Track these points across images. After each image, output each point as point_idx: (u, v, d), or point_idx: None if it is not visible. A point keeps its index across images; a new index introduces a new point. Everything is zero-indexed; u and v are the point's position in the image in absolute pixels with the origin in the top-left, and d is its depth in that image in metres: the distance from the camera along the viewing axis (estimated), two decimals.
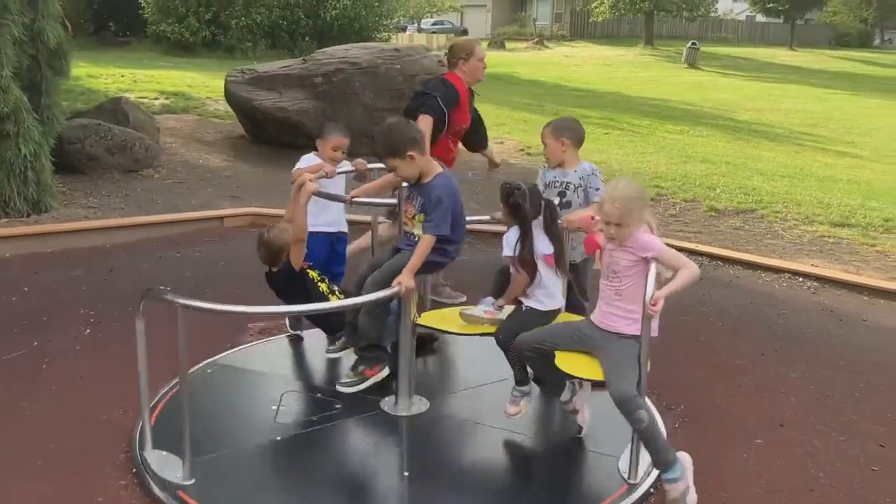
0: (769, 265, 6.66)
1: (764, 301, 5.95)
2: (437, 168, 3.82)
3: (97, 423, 3.91)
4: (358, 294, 3.87)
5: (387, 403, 4.03)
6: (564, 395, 3.76)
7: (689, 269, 3.32)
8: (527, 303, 3.79)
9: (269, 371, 4.49)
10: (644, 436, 3.29)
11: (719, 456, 3.77)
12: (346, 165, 4.91)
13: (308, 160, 4.83)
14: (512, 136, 12.45)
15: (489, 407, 4.03)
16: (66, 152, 8.38)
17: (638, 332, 3.35)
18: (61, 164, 7.93)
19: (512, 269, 3.81)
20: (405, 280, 3.62)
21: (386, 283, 3.70)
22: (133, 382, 4.24)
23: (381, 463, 3.68)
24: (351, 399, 3.99)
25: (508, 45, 40.34)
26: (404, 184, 3.95)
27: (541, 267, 3.73)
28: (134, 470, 3.49)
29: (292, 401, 4.12)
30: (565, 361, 3.47)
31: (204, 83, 14.78)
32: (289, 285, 4.25)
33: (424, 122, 4.88)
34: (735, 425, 4.07)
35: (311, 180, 4.25)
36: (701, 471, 3.61)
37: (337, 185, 4.80)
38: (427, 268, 3.80)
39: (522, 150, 11.43)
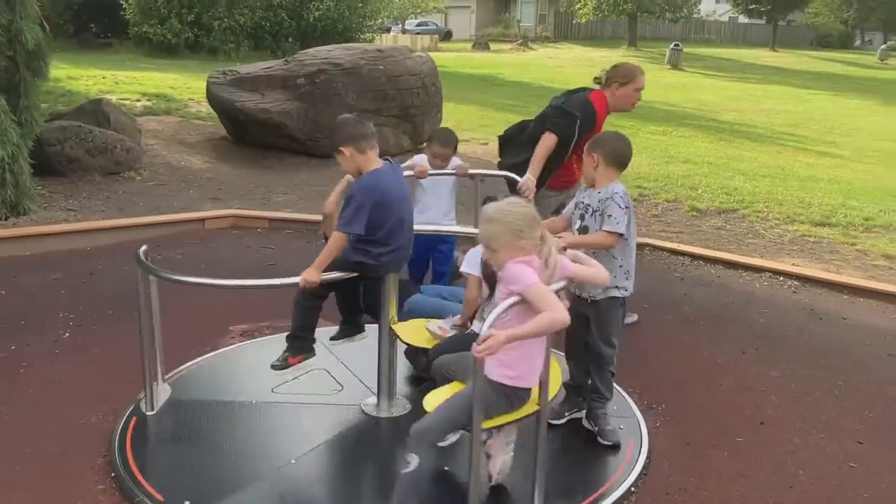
0: (750, 264, 6.70)
1: (745, 300, 5.98)
2: (372, 167, 3.69)
3: (76, 427, 3.87)
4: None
5: (368, 404, 4.03)
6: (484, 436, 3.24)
7: (549, 315, 2.80)
8: (474, 326, 3.68)
9: (251, 372, 4.45)
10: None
11: (700, 454, 3.78)
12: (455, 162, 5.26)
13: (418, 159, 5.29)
14: (495, 137, 12.44)
15: None
16: (46, 154, 8.31)
17: (499, 381, 3.01)
18: (40, 166, 7.86)
19: (467, 290, 3.77)
20: (308, 274, 3.60)
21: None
22: (112, 386, 4.26)
23: (353, 461, 3.65)
24: (332, 398, 4.05)
25: (493, 46, 40.40)
26: None
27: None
28: (113, 474, 3.45)
29: (271, 401, 4.10)
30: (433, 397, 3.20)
31: (186, 85, 14.70)
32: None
33: (547, 140, 4.84)
34: (716, 424, 4.09)
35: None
36: (682, 469, 3.64)
37: (439, 191, 5.21)
38: (354, 268, 3.71)
39: None
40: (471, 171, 5.26)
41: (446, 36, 49.49)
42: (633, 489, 3.45)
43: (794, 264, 6.77)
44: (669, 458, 3.73)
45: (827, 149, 14.66)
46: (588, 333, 3.78)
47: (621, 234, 3.61)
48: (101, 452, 3.64)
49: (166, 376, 4.20)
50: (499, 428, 3.24)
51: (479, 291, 3.67)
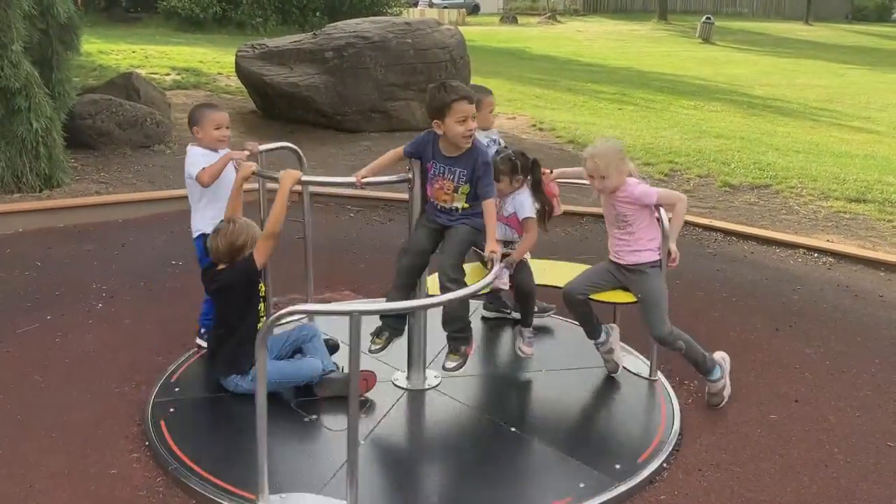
0: (784, 241, 6.60)
1: (778, 277, 5.90)
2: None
3: (110, 396, 3.93)
4: (404, 279, 3.76)
5: (398, 378, 4.03)
6: (602, 338, 4.08)
7: (681, 202, 3.89)
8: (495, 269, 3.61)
9: None
10: (687, 357, 3.87)
11: (733, 432, 3.75)
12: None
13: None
14: (524, 111, 12.36)
15: (499, 391, 4.12)
16: (78, 128, 8.37)
17: (659, 257, 3.90)
18: (72, 139, 7.92)
19: (515, 231, 4.14)
20: (497, 248, 3.57)
21: (461, 260, 3.67)
22: (145, 356, 4.30)
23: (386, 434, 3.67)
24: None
25: (521, 20, 39.99)
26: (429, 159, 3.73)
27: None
28: (147, 443, 3.50)
29: None
30: (604, 296, 4.00)
31: (215, 59, 14.72)
32: (237, 286, 3.76)
33: None
34: (749, 401, 4.04)
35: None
36: (715, 446, 3.61)
37: None
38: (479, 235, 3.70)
39: (534, 125, 11.34)
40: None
41: (474, 10, 48.97)
42: (664, 465, 3.43)
43: (828, 240, 6.67)
44: (701, 435, 3.70)
45: (862, 124, 14.37)
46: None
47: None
48: (135, 421, 3.69)
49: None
50: (613, 327, 4.14)
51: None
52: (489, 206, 3.61)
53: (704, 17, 33.09)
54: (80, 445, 3.49)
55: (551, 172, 4.23)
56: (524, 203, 4.08)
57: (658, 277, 3.91)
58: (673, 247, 3.89)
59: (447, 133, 3.55)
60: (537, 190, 4.14)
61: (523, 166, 4.08)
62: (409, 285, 3.81)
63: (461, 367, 3.78)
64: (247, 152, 4.24)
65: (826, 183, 8.54)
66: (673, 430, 3.66)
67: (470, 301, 3.92)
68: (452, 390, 3.97)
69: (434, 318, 3.89)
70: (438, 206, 3.73)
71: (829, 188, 8.32)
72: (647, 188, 3.88)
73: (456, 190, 3.65)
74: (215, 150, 4.28)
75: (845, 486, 3.35)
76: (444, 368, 3.80)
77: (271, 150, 4.51)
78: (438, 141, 3.65)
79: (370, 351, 3.84)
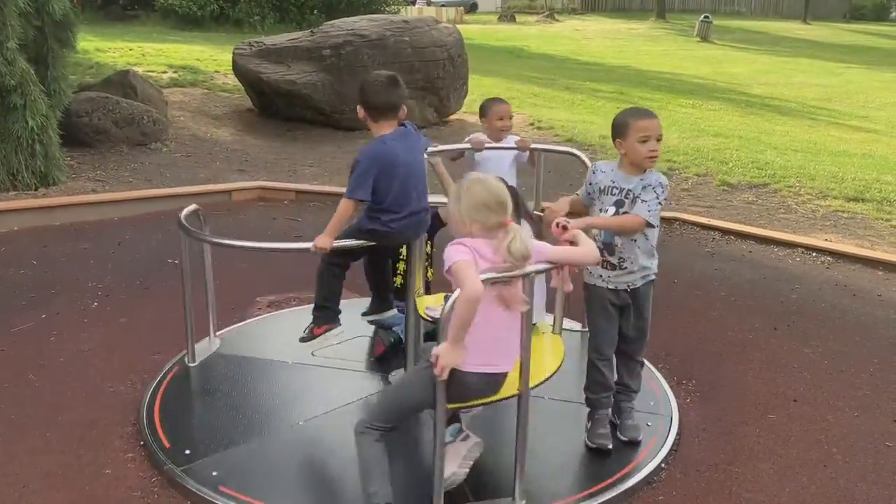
0: (782, 240, 6.58)
1: (777, 276, 5.89)
2: (381, 133, 3.63)
3: (105, 395, 3.90)
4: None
5: (395, 375, 4.02)
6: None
7: (459, 295, 2.66)
8: None
9: (279, 343, 4.46)
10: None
11: (731, 432, 3.73)
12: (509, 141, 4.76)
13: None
14: (522, 109, 12.33)
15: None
16: (74, 125, 8.34)
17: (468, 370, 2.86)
18: (69, 137, 7.90)
19: None
20: (320, 241, 3.54)
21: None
22: (140, 355, 4.28)
23: None
24: (364, 365, 4.13)
25: (519, 18, 39.94)
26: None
27: None
28: (142, 443, 3.47)
29: (296, 373, 4.10)
30: None
31: (212, 57, 14.69)
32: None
33: None
34: (747, 401, 4.02)
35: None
36: (713, 446, 3.60)
37: (499, 166, 4.60)
38: (367, 236, 3.67)
39: (532, 123, 11.32)
40: (532, 145, 4.81)
41: (472, 8, 48.92)
42: (663, 465, 3.41)
43: (826, 239, 6.65)
44: (700, 435, 3.69)
45: (860, 123, 14.36)
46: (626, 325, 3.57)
47: (650, 224, 3.37)
48: (130, 421, 3.66)
49: (198, 342, 4.23)
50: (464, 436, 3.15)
51: None
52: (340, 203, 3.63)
53: (702, 16, 33.02)
54: (75, 445, 3.47)
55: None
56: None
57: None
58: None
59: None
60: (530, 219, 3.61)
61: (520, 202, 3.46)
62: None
63: (306, 341, 3.92)
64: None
65: (824, 182, 8.52)
66: (671, 431, 3.64)
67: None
68: None
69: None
70: None
71: (828, 187, 8.31)
72: (451, 252, 2.72)
73: None
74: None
75: (844, 486, 3.33)
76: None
77: None
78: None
79: (362, 315, 4.16)
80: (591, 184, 3.52)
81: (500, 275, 2.74)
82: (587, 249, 2.99)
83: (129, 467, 3.33)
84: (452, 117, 11.53)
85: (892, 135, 13.16)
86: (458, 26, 13.32)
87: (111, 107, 8.85)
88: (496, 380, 2.92)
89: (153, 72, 12.50)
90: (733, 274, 5.89)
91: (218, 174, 8.23)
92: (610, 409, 3.62)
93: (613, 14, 43.24)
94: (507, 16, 40.35)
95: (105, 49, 14.77)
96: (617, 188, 3.42)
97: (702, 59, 23.94)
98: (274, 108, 10.66)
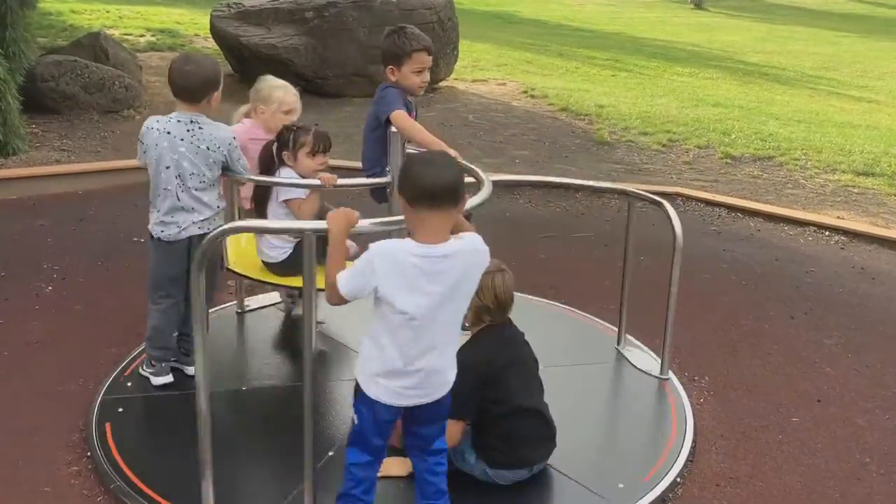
0: (793, 217, 6.18)
1: (789, 257, 5.50)
2: None
3: (52, 395, 3.48)
4: None
5: None
6: None
7: None
8: None
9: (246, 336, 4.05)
10: None
11: (751, 438, 3.35)
12: None
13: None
14: (514, 77, 11.84)
15: None
16: (39, 90, 7.81)
17: None
18: (33, 103, 7.38)
19: None
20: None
21: None
22: (95, 348, 3.86)
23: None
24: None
25: None
26: None
27: None
28: (89, 453, 3.06)
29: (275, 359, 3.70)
30: None
31: (193, 20, 14.07)
32: None
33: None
34: (767, 400, 3.65)
35: None
36: (733, 455, 3.22)
37: None
38: None
39: (525, 91, 10.83)
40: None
41: None
42: (678, 479, 3.03)
43: (839, 217, 6.26)
44: (717, 442, 3.31)
45: (861, 93, 13.95)
46: None
47: None
48: (77, 427, 3.24)
49: None
50: None
51: None
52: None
53: None
54: (12, 456, 3.05)
55: None
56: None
57: None
58: None
59: (401, 82, 3.57)
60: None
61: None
62: None
63: None
64: None
65: (831, 155, 8.11)
66: (686, 438, 3.25)
67: None
68: None
69: None
70: None
71: (836, 160, 7.90)
72: None
73: None
74: None
75: None
76: None
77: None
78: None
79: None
80: None
81: None
82: None
83: (73, 483, 2.92)
84: (442, 83, 11.03)
85: (894, 105, 12.77)
86: None
87: (80, 71, 8.30)
88: None
89: (130, 35, 11.93)
90: (742, 255, 5.50)
91: None
92: None
93: None
94: None
95: (80, 10, 14.13)
96: None
97: (696, 26, 23.42)
98: (254, 73, 10.02)
